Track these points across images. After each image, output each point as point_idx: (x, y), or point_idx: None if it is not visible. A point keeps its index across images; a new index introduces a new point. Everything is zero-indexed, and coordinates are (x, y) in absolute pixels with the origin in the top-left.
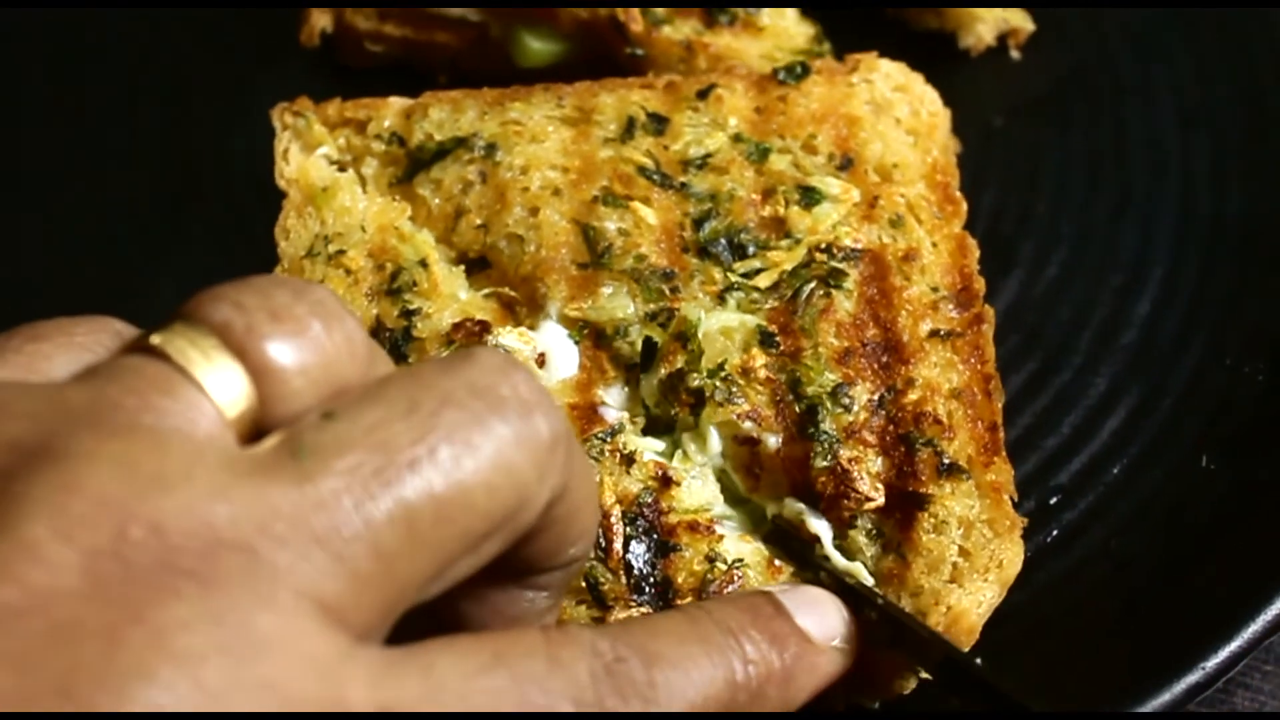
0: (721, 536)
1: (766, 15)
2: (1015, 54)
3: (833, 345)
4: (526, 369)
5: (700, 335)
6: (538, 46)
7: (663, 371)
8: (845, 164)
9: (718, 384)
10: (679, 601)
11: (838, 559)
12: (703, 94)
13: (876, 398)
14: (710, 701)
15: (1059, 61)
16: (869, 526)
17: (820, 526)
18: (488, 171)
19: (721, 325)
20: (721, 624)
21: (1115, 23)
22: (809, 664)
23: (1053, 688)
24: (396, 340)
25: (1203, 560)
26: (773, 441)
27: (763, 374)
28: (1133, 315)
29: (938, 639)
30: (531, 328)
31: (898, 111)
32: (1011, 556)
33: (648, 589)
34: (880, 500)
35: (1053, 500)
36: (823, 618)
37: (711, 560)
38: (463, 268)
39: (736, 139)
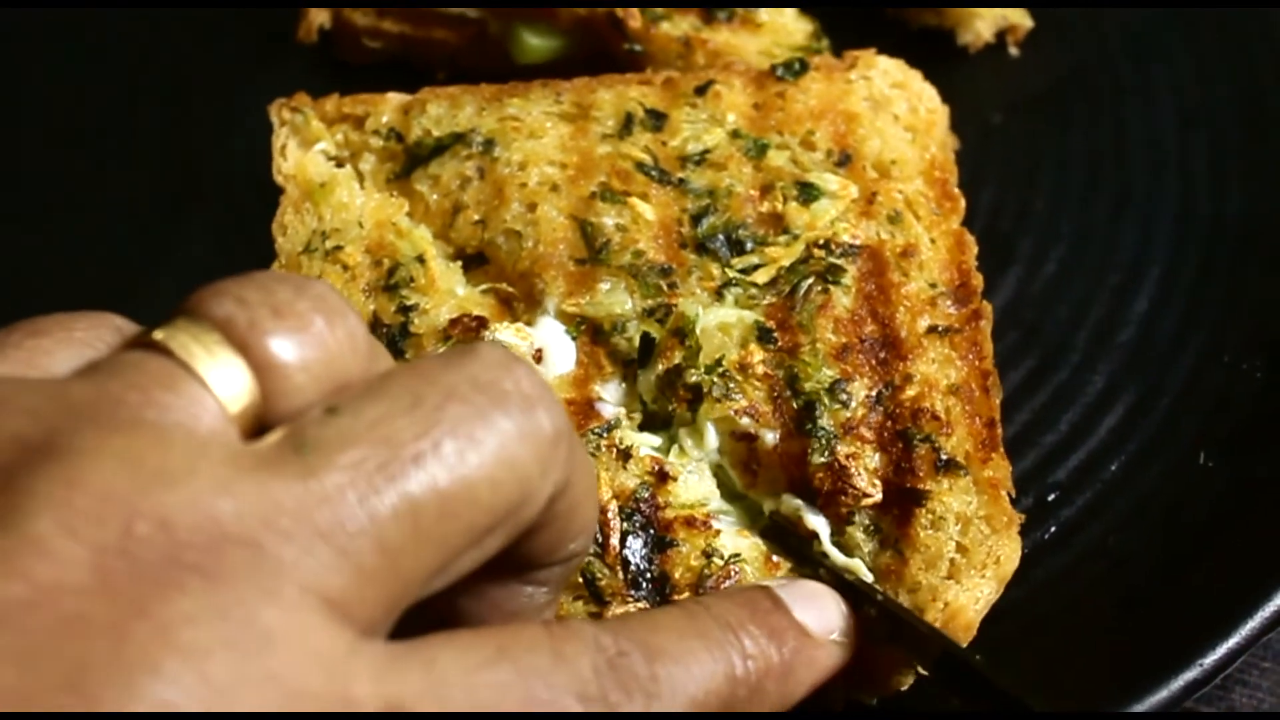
0: (718, 532)
1: (765, 12)
2: (1014, 51)
3: (830, 341)
4: (528, 364)
5: (698, 331)
6: (536, 43)
7: (660, 367)
8: (843, 160)
9: (715, 380)
10: (676, 597)
11: (835, 555)
12: (701, 90)
13: (874, 394)
14: (711, 696)
15: (1058, 59)
16: (866, 522)
17: (818, 522)
18: (485, 167)
19: (719, 321)
20: (720, 619)
21: (1115, 21)
22: (808, 658)
23: (1050, 684)
24: (393, 336)
25: (1200, 557)
26: (770, 437)
27: (760, 370)
28: (1131, 313)
29: (936, 634)
30: (529, 323)
31: (896, 108)
32: (1009, 553)
33: (645, 584)
34: (878, 496)
35: (1051, 497)
36: (821, 612)
37: (708, 555)
38: (460, 263)
39: (735, 135)
